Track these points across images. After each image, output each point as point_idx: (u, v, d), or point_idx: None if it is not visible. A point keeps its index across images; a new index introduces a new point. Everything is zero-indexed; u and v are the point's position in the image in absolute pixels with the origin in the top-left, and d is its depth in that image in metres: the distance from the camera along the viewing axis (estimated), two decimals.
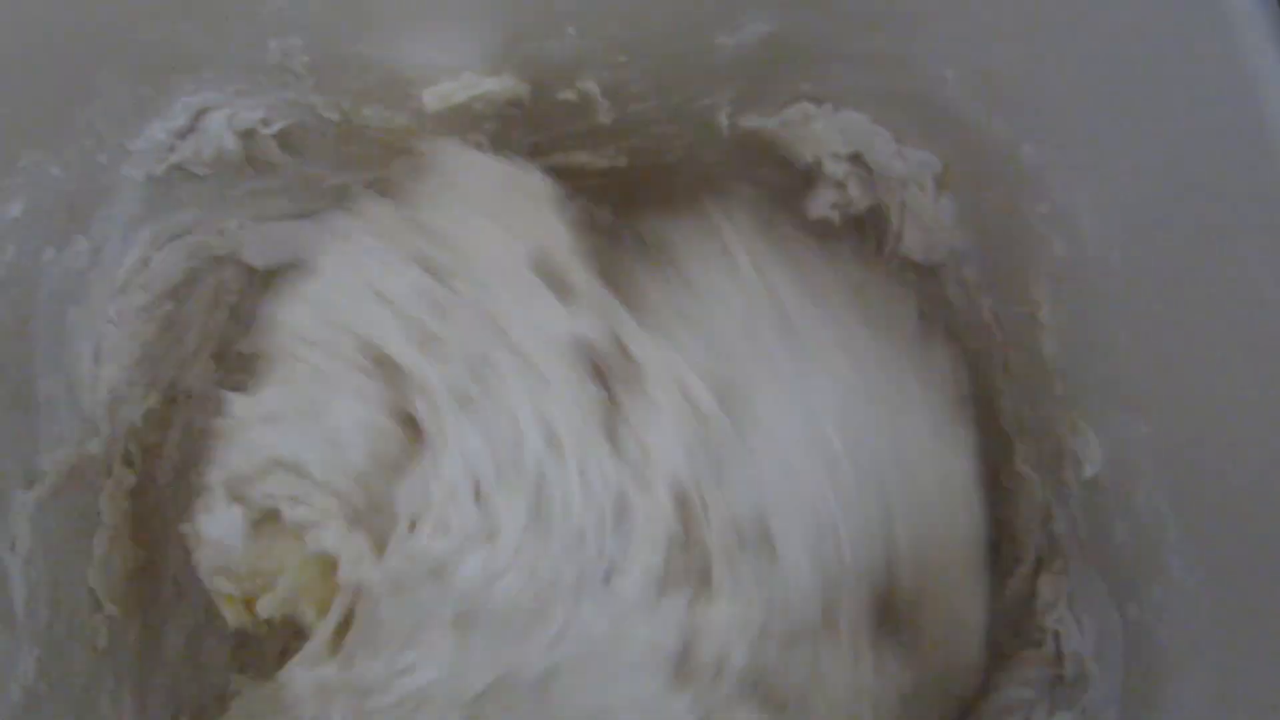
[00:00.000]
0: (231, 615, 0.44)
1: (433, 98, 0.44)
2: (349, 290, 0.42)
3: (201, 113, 0.45)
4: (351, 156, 0.50)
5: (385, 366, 0.41)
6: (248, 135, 0.46)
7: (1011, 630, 0.48)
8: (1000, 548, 0.49)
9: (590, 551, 0.38)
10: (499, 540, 0.38)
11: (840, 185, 0.50)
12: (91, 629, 0.47)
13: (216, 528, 0.42)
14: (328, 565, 0.41)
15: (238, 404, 0.42)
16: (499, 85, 0.44)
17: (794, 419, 0.42)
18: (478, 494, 0.39)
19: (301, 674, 0.40)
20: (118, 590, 0.48)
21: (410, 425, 0.41)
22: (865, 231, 0.52)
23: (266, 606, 0.42)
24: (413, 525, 0.39)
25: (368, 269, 0.42)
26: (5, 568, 0.42)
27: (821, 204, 0.51)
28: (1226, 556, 0.37)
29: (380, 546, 0.40)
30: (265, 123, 0.46)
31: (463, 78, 0.44)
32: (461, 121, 0.45)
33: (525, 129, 0.48)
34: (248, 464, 0.42)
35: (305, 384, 0.41)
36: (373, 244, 0.43)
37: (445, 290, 0.41)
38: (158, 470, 0.52)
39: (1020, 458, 0.48)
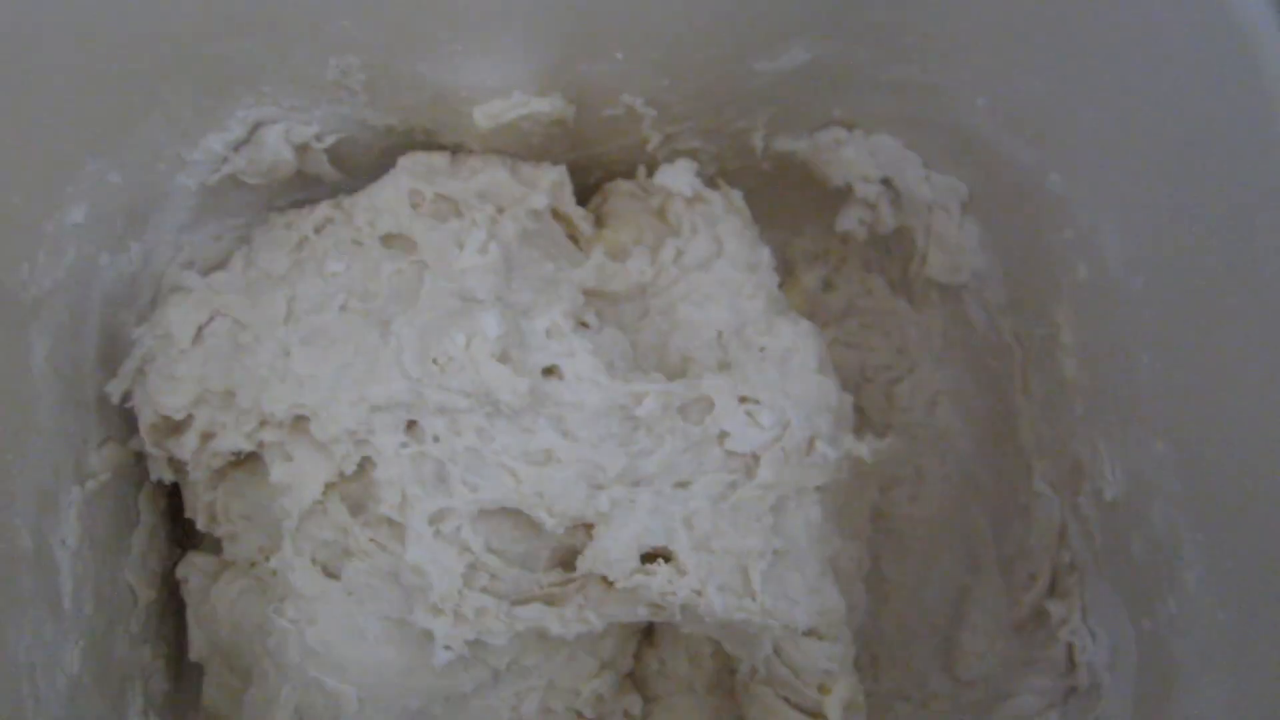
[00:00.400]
0: None
1: (483, 116, 0.46)
2: None
3: (258, 126, 0.47)
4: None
5: None
6: (301, 148, 0.48)
7: (1026, 641, 0.50)
8: (1015, 564, 0.51)
9: None
10: None
11: (871, 205, 0.51)
12: (128, 621, 0.48)
13: None
14: None
15: None
16: (548, 105, 0.46)
17: None
18: None
19: None
20: (153, 585, 0.49)
21: None
22: (892, 252, 0.54)
23: None
24: None
25: None
26: (56, 562, 0.43)
27: (850, 219, 0.52)
28: (1240, 571, 0.38)
29: None
30: (318, 137, 0.47)
31: (513, 97, 0.45)
32: (508, 138, 0.47)
33: (565, 145, 0.50)
34: None
35: None
36: None
37: None
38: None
39: (1039, 476, 0.49)
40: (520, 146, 0.49)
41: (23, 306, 0.42)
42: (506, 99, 0.45)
